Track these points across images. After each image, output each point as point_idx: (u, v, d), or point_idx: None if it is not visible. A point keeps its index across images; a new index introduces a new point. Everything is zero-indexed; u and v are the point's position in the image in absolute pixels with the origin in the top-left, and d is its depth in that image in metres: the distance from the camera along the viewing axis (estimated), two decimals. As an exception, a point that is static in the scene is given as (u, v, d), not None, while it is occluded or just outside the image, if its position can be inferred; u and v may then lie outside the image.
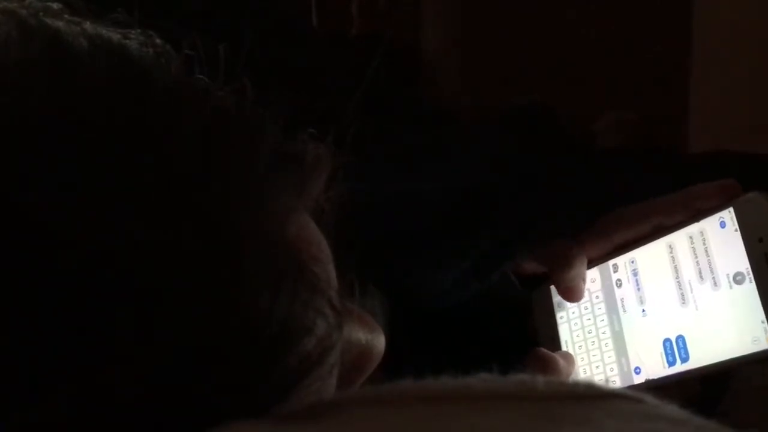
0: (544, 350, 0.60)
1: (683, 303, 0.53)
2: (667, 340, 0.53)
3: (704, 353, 0.50)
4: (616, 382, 0.55)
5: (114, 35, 0.34)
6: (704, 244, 0.52)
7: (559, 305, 0.62)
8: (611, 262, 0.59)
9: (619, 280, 0.58)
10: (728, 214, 0.52)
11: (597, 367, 0.57)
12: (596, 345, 0.58)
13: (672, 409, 0.33)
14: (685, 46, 1.30)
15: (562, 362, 0.59)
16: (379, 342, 0.43)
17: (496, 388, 0.30)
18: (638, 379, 0.55)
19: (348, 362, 0.40)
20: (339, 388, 0.41)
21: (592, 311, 0.59)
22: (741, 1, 1.25)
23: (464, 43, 1.49)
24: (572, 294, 0.60)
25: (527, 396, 0.31)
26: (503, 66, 1.41)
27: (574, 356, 0.60)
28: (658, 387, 0.53)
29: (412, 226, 0.63)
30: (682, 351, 0.52)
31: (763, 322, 0.47)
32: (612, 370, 0.56)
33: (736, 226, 0.51)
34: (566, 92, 1.36)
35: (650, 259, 0.57)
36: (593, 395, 0.33)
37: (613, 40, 1.39)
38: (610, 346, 0.57)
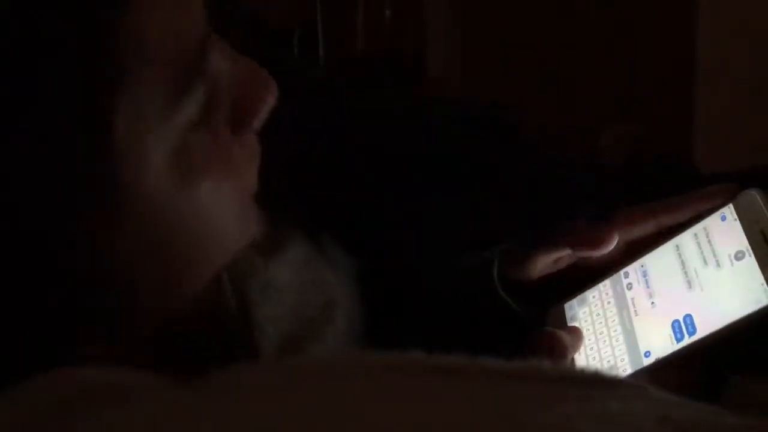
0: (552, 329, 0.61)
1: (689, 288, 0.56)
2: (675, 321, 0.56)
3: (710, 323, 0.54)
4: (627, 369, 0.57)
5: None
6: (707, 237, 0.57)
7: (572, 319, 0.63)
8: (622, 271, 0.62)
9: (629, 283, 0.61)
10: (728, 210, 0.57)
11: (608, 361, 0.59)
12: (607, 343, 0.60)
13: (674, 397, 0.33)
14: (689, 60, 1.31)
15: (568, 338, 0.60)
16: (257, 69, 0.44)
17: (509, 368, 0.31)
18: (648, 362, 0.56)
19: (230, 97, 0.42)
20: (234, 131, 0.43)
21: (604, 315, 0.61)
22: (745, 13, 1.26)
23: (467, 55, 1.50)
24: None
25: (538, 378, 0.32)
26: (505, 79, 1.42)
27: (581, 330, 0.61)
28: (662, 367, 0.55)
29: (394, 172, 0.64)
30: (690, 327, 0.55)
31: (762, 284, 0.52)
32: (623, 360, 0.58)
33: (736, 217, 0.56)
34: (570, 107, 1.36)
35: (659, 261, 0.60)
36: (600, 381, 0.34)
37: (618, 55, 1.40)
38: (621, 340, 0.59)
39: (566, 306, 0.64)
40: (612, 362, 0.59)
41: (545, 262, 0.65)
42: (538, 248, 0.64)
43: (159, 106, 0.38)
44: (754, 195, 0.56)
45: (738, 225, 0.56)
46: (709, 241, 0.57)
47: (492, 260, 0.64)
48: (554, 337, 0.60)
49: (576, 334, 0.61)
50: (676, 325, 0.56)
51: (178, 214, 0.41)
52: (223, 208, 0.44)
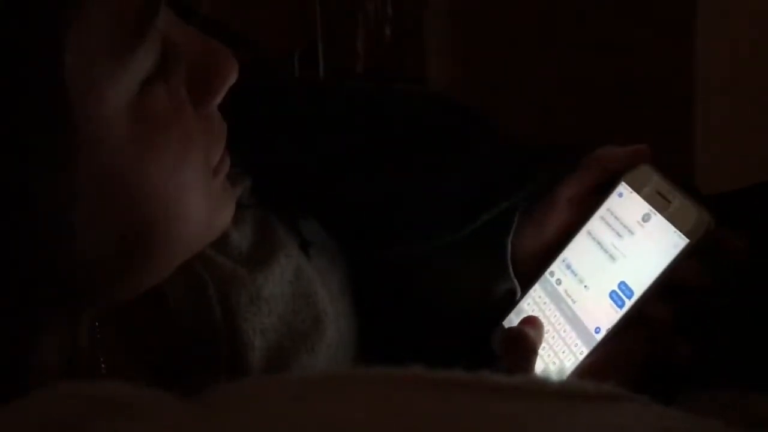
0: (513, 328, 0.64)
1: (614, 260, 0.63)
2: (612, 292, 0.62)
3: (643, 280, 0.60)
4: (583, 351, 0.62)
5: None
6: (613, 214, 0.64)
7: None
8: (546, 272, 0.67)
9: (558, 279, 0.66)
10: (621, 187, 0.64)
11: (563, 352, 0.63)
12: (557, 337, 0.64)
13: (675, 413, 0.34)
14: (689, 78, 1.32)
15: (532, 333, 0.61)
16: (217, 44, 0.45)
17: (510, 383, 0.31)
18: (600, 336, 0.62)
19: (188, 65, 0.43)
20: (195, 104, 0.44)
21: (544, 315, 0.66)
22: (744, 32, 1.27)
23: (467, 72, 1.51)
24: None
25: (538, 392, 0.32)
26: (506, 97, 1.42)
27: (539, 319, 0.65)
28: (614, 336, 0.61)
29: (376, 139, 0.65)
30: (627, 291, 0.61)
31: (675, 231, 0.60)
32: (576, 345, 0.63)
33: (630, 190, 0.64)
34: (571, 127, 1.37)
35: (578, 250, 0.66)
36: (601, 395, 0.34)
37: (617, 73, 1.40)
38: (568, 329, 0.64)
39: (504, 323, 0.68)
40: (566, 351, 0.63)
41: (569, 194, 0.66)
42: (568, 176, 0.66)
43: (111, 51, 0.39)
44: (642, 166, 0.64)
45: (635, 195, 0.63)
46: (616, 217, 0.64)
47: (499, 244, 0.65)
48: (519, 334, 0.62)
49: (534, 323, 0.64)
50: (614, 295, 0.62)
51: (140, 175, 0.41)
52: (189, 182, 0.44)
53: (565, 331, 0.64)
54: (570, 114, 1.40)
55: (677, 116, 1.35)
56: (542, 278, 0.67)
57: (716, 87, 1.30)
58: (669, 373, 0.60)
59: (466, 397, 0.29)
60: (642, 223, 0.62)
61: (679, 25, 1.34)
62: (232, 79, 0.46)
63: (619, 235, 0.63)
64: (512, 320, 0.67)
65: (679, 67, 1.35)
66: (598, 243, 0.64)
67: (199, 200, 0.45)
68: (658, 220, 0.61)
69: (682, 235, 0.59)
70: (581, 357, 0.62)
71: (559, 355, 0.63)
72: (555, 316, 0.65)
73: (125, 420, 0.28)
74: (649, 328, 0.60)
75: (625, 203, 0.64)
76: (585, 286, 0.64)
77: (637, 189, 0.63)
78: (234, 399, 0.31)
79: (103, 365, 0.49)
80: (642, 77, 1.39)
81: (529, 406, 0.29)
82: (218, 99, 0.46)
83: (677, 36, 1.34)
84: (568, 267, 0.66)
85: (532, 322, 0.64)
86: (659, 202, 0.62)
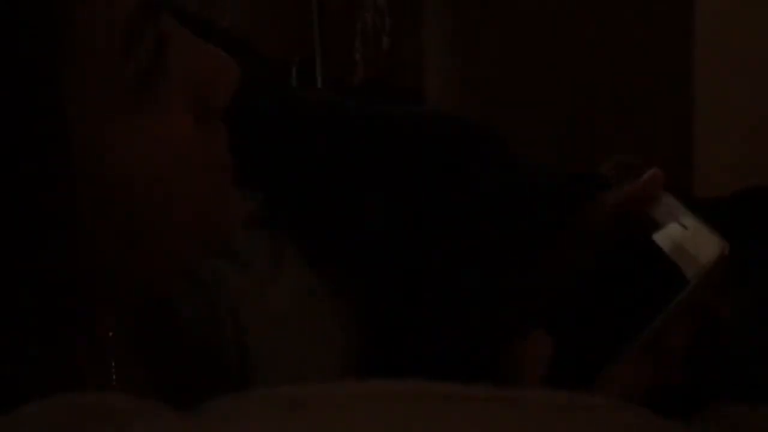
0: (516, 343, 0.63)
1: None
2: (630, 318, 0.61)
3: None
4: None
5: None
6: None
7: None
8: None
9: None
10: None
11: (577, 376, 0.62)
12: (573, 359, 0.63)
13: (679, 426, 0.33)
14: (687, 88, 1.32)
15: (536, 349, 0.61)
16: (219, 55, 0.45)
17: (509, 396, 0.31)
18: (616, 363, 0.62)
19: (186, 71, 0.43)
20: (199, 110, 0.44)
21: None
22: (742, 42, 1.27)
23: (465, 83, 1.51)
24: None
25: (540, 404, 0.32)
26: (504, 108, 1.43)
27: (546, 337, 0.63)
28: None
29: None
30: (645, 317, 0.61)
31: (691, 257, 0.59)
32: (591, 369, 0.61)
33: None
34: (569, 136, 1.37)
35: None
36: (603, 406, 0.34)
37: (616, 87, 1.41)
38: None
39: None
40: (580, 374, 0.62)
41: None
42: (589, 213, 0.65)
43: (102, 62, 0.39)
44: (667, 198, 0.64)
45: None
46: None
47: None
48: (521, 350, 0.61)
49: (542, 337, 0.63)
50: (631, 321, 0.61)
51: (138, 182, 0.42)
52: (191, 187, 0.44)
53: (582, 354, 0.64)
54: (568, 124, 1.41)
55: (676, 120, 1.36)
56: None
57: (715, 90, 1.31)
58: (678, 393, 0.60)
59: (463, 409, 0.29)
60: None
61: (678, 29, 1.34)
62: (234, 89, 0.46)
63: None
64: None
65: (677, 72, 1.35)
66: None
67: (201, 206, 0.46)
68: (675, 247, 0.62)
69: (698, 261, 0.59)
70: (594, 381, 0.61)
71: (570, 379, 0.61)
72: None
73: (116, 429, 0.28)
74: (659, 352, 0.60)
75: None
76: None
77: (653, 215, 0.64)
78: (232, 411, 0.31)
79: (114, 377, 0.49)
80: (641, 87, 1.40)
81: (528, 416, 0.29)
82: (221, 108, 0.46)
83: (676, 40, 1.35)
84: None
85: (539, 337, 0.63)
86: (681, 231, 0.62)
